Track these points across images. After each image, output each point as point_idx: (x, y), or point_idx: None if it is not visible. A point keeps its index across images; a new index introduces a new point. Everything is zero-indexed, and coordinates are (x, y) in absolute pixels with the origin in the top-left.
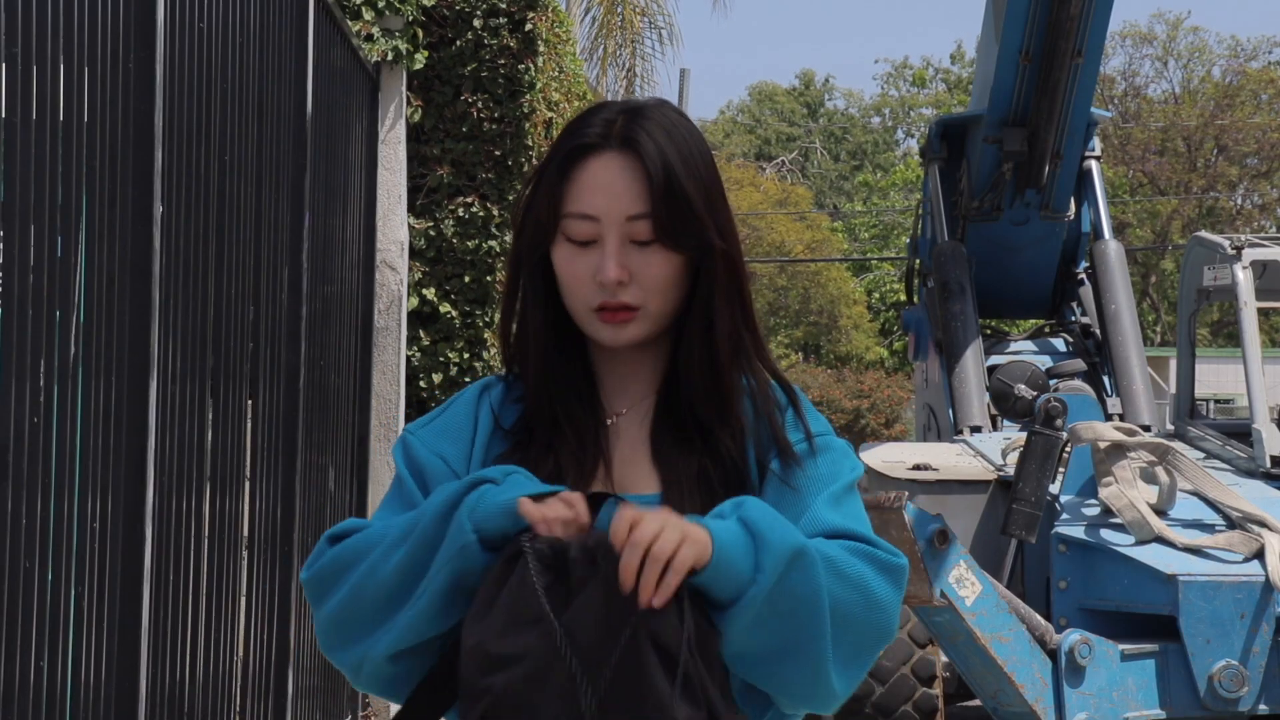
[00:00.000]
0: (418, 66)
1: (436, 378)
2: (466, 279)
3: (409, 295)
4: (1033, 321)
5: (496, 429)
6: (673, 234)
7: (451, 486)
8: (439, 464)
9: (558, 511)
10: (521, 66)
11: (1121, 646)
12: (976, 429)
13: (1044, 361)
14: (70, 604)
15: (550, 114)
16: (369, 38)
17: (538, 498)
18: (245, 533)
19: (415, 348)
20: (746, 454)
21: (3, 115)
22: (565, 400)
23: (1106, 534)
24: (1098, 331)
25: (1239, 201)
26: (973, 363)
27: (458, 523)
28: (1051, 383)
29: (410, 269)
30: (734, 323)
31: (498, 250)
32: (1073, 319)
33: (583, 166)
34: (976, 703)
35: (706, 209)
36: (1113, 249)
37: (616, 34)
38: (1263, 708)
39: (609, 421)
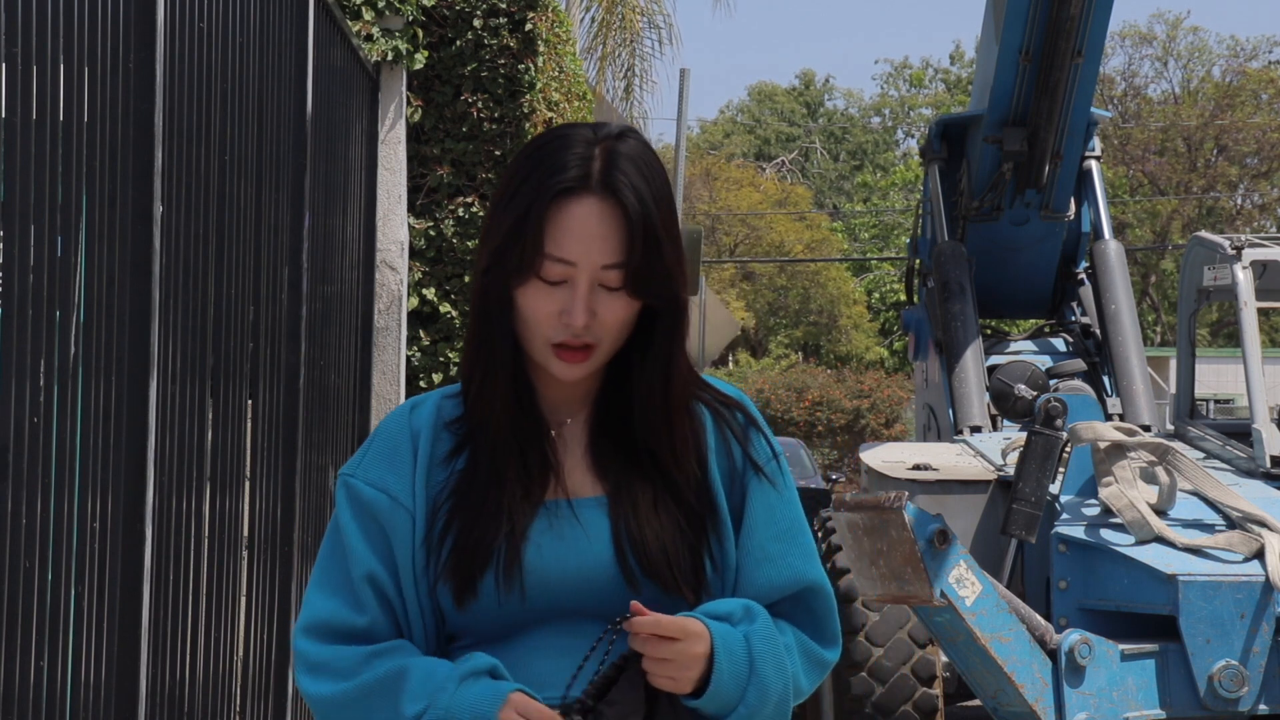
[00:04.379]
0: (418, 66)
1: (436, 378)
2: (466, 279)
3: (409, 295)
4: (1033, 321)
5: (435, 455)
6: (644, 288)
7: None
8: (383, 499)
9: None
10: (521, 66)
11: (1121, 646)
12: (976, 429)
13: (1044, 361)
14: (70, 604)
15: (550, 114)
16: (369, 38)
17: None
18: (245, 533)
19: (415, 348)
20: (710, 471)
21: (3, 115)
22: (513, 417)
23: (1106, 534)
24: (1098, 331)
25: (1239, 201)
26: (973, 363)
27: None
28: (1051, 383)
29: (410, 269)
30: (683, 360)
31: None
32: (1073, 319)
33: (563, 209)
34: (976, 703)
35: (674, 258)
36: (1113, 249)
37: (616, 33)
38: (1263, 708)
39: (553, 433)
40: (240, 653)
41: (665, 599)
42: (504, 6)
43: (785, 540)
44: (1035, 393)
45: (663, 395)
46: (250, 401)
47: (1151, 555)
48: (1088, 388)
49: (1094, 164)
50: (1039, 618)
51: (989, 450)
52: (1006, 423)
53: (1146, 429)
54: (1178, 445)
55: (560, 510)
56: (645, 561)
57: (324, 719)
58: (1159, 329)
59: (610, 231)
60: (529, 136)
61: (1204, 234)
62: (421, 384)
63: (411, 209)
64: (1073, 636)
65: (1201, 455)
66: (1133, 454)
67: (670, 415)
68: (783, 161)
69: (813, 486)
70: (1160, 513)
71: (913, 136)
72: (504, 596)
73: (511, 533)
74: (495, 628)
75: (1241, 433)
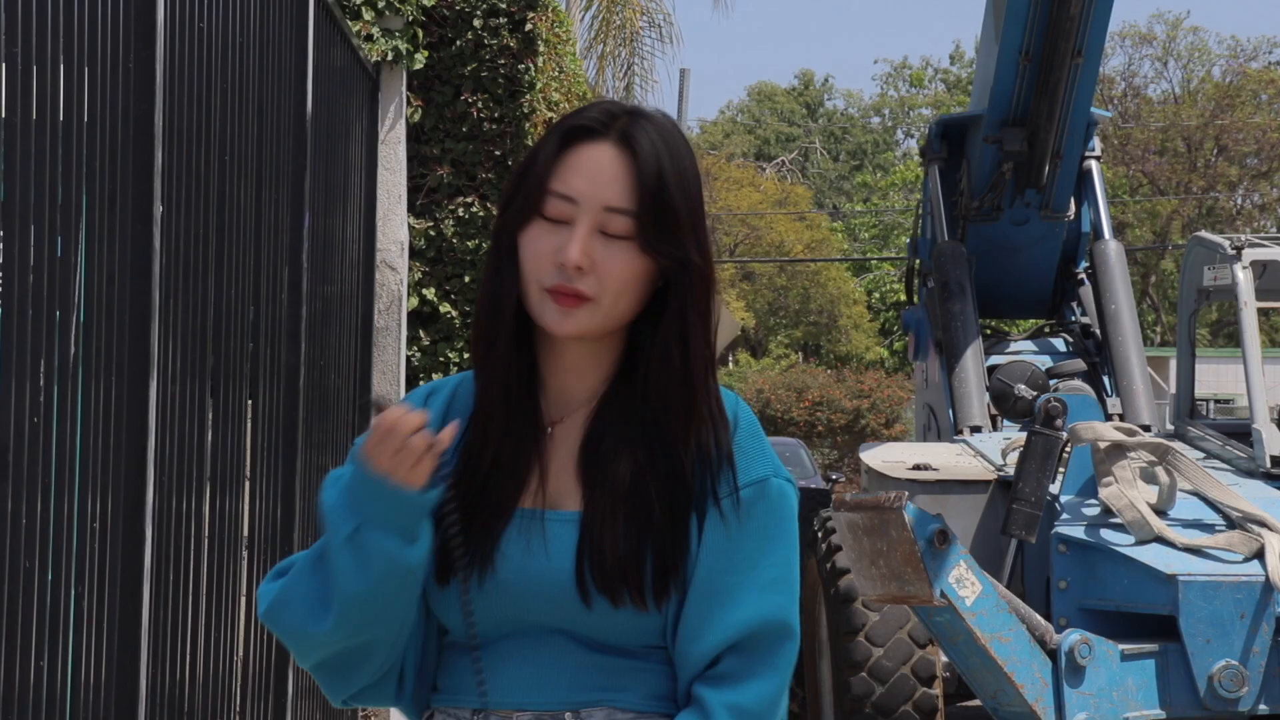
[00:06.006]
0: (418, 66)
1: (436, 378)
2: (466, 279)
3: (409, 295)
4: (1033, 321)
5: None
6: (653, 239)
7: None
8: None
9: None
10: (521, 66)
11: (1121, 646)
12: (976, 429)
13: (1044, 361)
14: (70, 604)
15: (550, 114)
16: (369, 38)
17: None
18: (245, 533)
19: (415, 348)
20: (696, 473)
21: (3, 115)
22: (509, 408)
23: (1106, 534)
24: (1098, 331)
25: (1239, 201)
26: (973, 363)
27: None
28: (1051, 383)
29: (410, 269)
30: (705, 342)
31: None
32: (1073, 319)
33: (575, 149)
34: (976, 703)
35: (690, 224)
36: (1113, 249)
37: (616, 33)
38: (1263, 708)
39: (548, 430)
40: (240, 653)
41: (614, 613)
42: (504, 6)
43: (742, 573)
44: (1035, 393)
45: (681, 358)
46: (250, 402)
47: (1151, 555)
48: (1088, 388)
49: (1094, 164)
50: (1039, 618)
51: (989, 450)
52: (1006, 423)
53: (1146, 429)
54: (1178, 445)
55: (534, 520)
56: (600, 577)
57: (274, 623)
58: (1159, 329)
59: (620, 175)
60: (529, 137)
61: (1204, 234)
62: (421, 384)
63: (411, 209)
64: (1073, 636)
65: (1201, 455)
66: (1133, 454)
67: (691, 379)
68: (783, 161)
69: (813, 486)
70: (1160, 513)
71: (913, 136)
72: (467, 599)
73: (484, 536)
74: (465, 628)
75: (1241, 433)
